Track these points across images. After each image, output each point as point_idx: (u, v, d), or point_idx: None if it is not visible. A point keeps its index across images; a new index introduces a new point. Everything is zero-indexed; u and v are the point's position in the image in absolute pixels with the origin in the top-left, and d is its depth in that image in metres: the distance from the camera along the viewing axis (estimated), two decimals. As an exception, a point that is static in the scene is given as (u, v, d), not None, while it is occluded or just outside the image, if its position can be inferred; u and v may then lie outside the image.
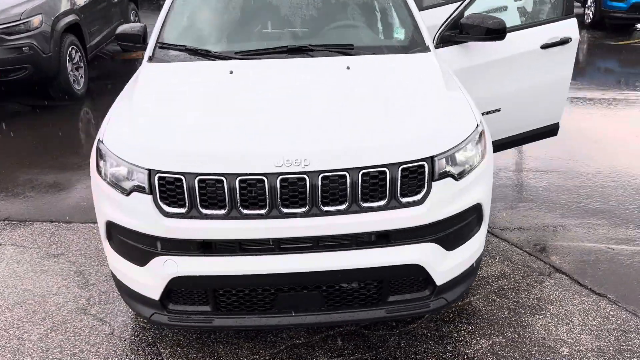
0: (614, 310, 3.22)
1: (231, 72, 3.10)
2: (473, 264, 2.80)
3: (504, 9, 4.68)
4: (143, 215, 2.48)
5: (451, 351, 2.93)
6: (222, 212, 2.42)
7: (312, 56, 3.32)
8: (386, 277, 2.56)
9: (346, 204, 2.43)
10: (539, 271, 3.61)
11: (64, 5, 7.35)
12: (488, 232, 3.64)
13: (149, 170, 2.45)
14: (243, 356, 2.94)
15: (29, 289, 3.57)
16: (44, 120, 6.98)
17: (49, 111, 7.31)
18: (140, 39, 3.74)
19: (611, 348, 2.93)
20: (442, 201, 2.52)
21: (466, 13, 3.89)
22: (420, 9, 4.16)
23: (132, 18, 10.21)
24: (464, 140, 2.63)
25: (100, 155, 2.69)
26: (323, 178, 2.40)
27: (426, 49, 3.48)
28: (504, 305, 3.28)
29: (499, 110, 4.14)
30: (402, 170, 2.44)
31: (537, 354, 2.89)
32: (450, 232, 2.60)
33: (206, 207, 2.43)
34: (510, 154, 5.50)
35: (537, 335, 3.03)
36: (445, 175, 2.54)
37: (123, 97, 3.09)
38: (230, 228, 2.42)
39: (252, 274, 2.48)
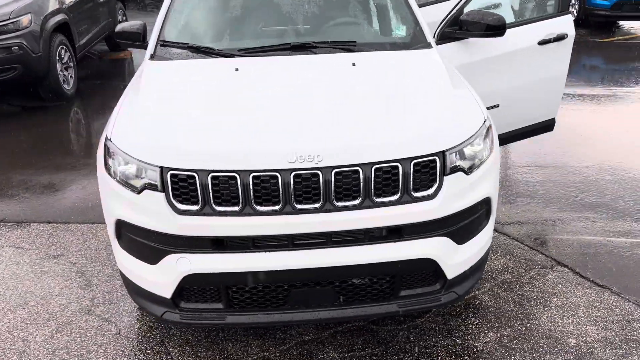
0: (617, 302, 3.27)
1: (237, 70, 3.09)
2: (482, 258, 2.82)
3: (498, 5, 4.73)
4: (155, 213, 2.46)
5: (460, 344, 2.96)
6: (236, 208, 2.41)
7: (315, 53, 3.33)
8: (399, 271, 2.57)
9: (359, 199, 2.44)
10: (541, 264, 3.65)
11: (53, 5, 7.26)
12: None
13: (161, 167, 2.44)
14: (253, 353, 2.94)
15: (31, 290, 3.53)
16: (35, 120, 6.90)
17: (40, 112, 7.22)
18: (140, 37, 3.72)
19: (617, 338, 2.97)
20: (454, 195, 2.54)
21: (465, 10, 3.92)
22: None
23: (119, 17, 10.12)
24: (473, 134, 2.65)
25: (108, 153, 2.66)
26: (336, 174, 2.41)
27: (428, 46, 3.50)
28: (509, 299, 3.31)
29: (498, 106, 4.18)
30: (414, 165, 2.46)
31: (545, 346, 2.93)
32: (461, 226, 2.62)
33: (219, 204, 2.42)
34: (504, 149, 5.55)
35: (543, 327, 3.07)
36: (456, 169, 2.56)
37: (128, 95, 3.06)
38: (244, 224, 2.41)
39: (265, 270, 2.48)
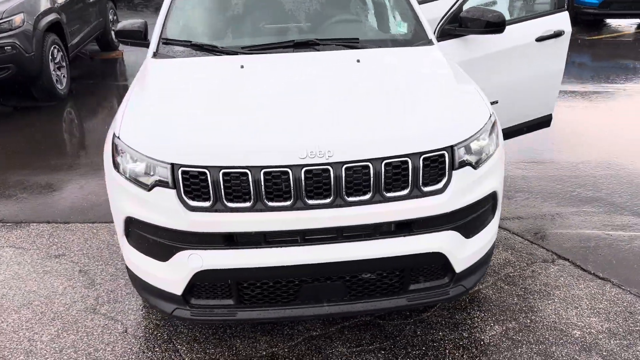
0: (619, 294, 3.32)
1: (242, 67, 3.10)
2: (488, 251, 2.85)
3: (494, 3, 4.78)
4: (166, 210, 2.46)
5: (467, 337, 2.99)
6: (247, 204, 2.42)
7: (318, 50, 3.34)
8: (408, 265, 2.59)
9: (370, 194, 2.46)
10: (542, 258, 3.69)
11: (45, 4, 7.20)
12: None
13: (172, 164, 2.44)
14: (261, 349, 2.95)
15: (34, 290, 3.51)
16: (28, 120, 6.84)
17: (33, 112, 7.16)
18: (141, 35, 3.71)
19: (621, 329, 3.02)
20: (462, 189, 2.57)
21: (464, 7, 3.95)
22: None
23: (111, 17, 10.07)
24: (480, 129, 2.68)
25: (117, 151, 2.66)
26: (347, 169, 2.42)
27: (430, 42, 3.53)
28: (513, 292, 3.35)
29: (497, 102, 4.21)
30: (424, 159, 2.48)
31: (550, 338, 2.97)
32: (469, 220, 2.64)
33: (231, 200, 2.43)
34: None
35: (548, 319, 3.11)
36: (464, 164, 2.58)
37: (134, 92, 3.05)
38: (255, 220, 2.42)
39: (277, 265, 2.49)
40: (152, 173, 2.50)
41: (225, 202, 2.42)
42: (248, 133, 2.53)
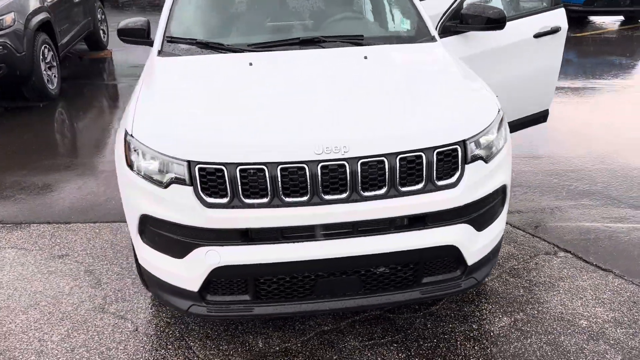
0: (622, 284, 3.39)
1: (251, 64, 3.11)
2: (497, 244, 2.90)
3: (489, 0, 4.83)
4: (184, 207, 2.47)
5: (477, 329, 3.03)
6: (264, 200, 2.44)
7: (323, 47, 3.37)
8: (422, 258, 2.63)
9: (385, 189, 2.49)
10: (544, 251, 3.76)
11: (34, 3, 7.12)
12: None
13: (189, 162, 2.45)
14: (275, 345, 2.97)
15: (40, 290, 3.49)
16: (20, 121, 6.77)
17: (24, 112, 7.08)
18: (144, 34, 3.71)
19: (626, 319, 3.09)
20: (475, 183, 2.61)
21: (465, 4, 4.00)
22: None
23: (99, 16, 9.98)
24: (490, 124, 2.72)
25: (130, 148, 2.66)
26: (362, 164, 2.45)
27: (433, 39, 3.57)
28: (519, 284, 3.40)
29: (497, 97, 4.26)
30: (437, 154, 2.52)
31: (558, 328, 3.03)
32: (481, 213, 2.69)
33: (248, 197, 2.44)
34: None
35: (554, 310, 3.17)
36: (475, 158, 2.62)
37: (143, 90, 3.03)
38: (272, 216, 2.44)
39: (294, 260, 2.51)
40: (167, 170, 2.50)
41: (243, 199, 2.44)
42: (263, 129, 2.55)
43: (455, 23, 3.96)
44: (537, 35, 4.28)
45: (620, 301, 3.23)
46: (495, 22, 3.73)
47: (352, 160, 2.44)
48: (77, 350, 2.97)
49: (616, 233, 3.96)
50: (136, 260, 2.98)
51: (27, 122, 6.74)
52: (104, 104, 7.89)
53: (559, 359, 2.81)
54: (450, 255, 2.67)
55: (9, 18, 6.55)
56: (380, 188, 2.49)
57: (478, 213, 2.67)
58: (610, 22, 13.84)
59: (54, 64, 7.51)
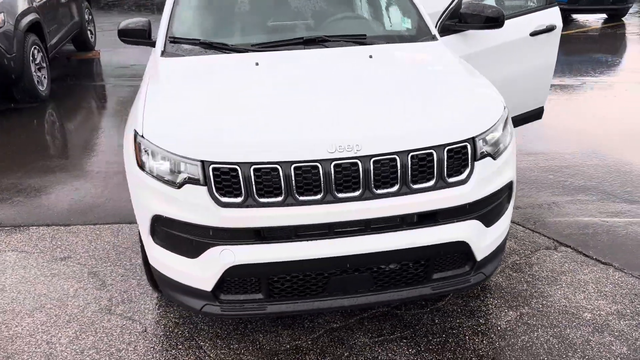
0: (622, 277, 3.46)
1: (257, 64, 3.12)
2: (504, 239, 2.95)
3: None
4: (197, 207, 2.48)
5: (484, 324, 3.08)
6: (278, 199, 2.45)
7: (327, 47, 3.39)
8: (433, 255, 2.66)
9: (397, 186, 2.52)
10: (544, 246, 3.82)
11: (23, 4, 7.06)
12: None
13: (202, 161, 2.45)
14: (285, 343, 2.98)
15: (44, 293, 3.47)
16: (11, 123, 6.72)
17: (14, 114, 7.02)
18: (146, 34, 3.69)
19: (628, 311, 3.16)
20: (484, 179, 2.65)
21: (463, 3, 4.05)
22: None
23: (86, 16, 9.90)
24: (497, 121, 2.77)
25: (141, 149, 2.65)
26: (375, 162, 2.48)
27: (434, 38, 3.61)
28: (522, 279, 3.46)
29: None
30: (448, 151, 2.56)
31: (563, 321, 3.08)
32: (490, 209, 2.73)
33: (262, 196, 2.45)
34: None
35: (559, 303, 3.23)
36: (484, 155, 2.66)
37: (149, 91, 3.02)
38: (286, 215, 2.46)
39: (308, 258, 2.52)
40: (181, 171, 2.51)
41: (257, 198, 2.45)
42: (276, 129, 2.56)
43: (455, 22, 4.01)
44: (533, 34, 4.34)
45: (622, 294, 3.30)
46: (494, 20, 3.78)
47: (365, 158, 2.46)
48: (86, 352, 2.96)
49: (613, 227, 4.03)
50: (144, 261, 2.98)
51: (19, 124, 6.68)
52: (94, 104, 7.83)
53: (567, 352, 2.87)
54: (460, 251, 2.71)
55: (-2, 19, 6.48)
56: (392, 186, 2.52)
57: (487, 209, 2.71)
58: (594, 20, 14.05)
59: (44, 65, 7.45)
